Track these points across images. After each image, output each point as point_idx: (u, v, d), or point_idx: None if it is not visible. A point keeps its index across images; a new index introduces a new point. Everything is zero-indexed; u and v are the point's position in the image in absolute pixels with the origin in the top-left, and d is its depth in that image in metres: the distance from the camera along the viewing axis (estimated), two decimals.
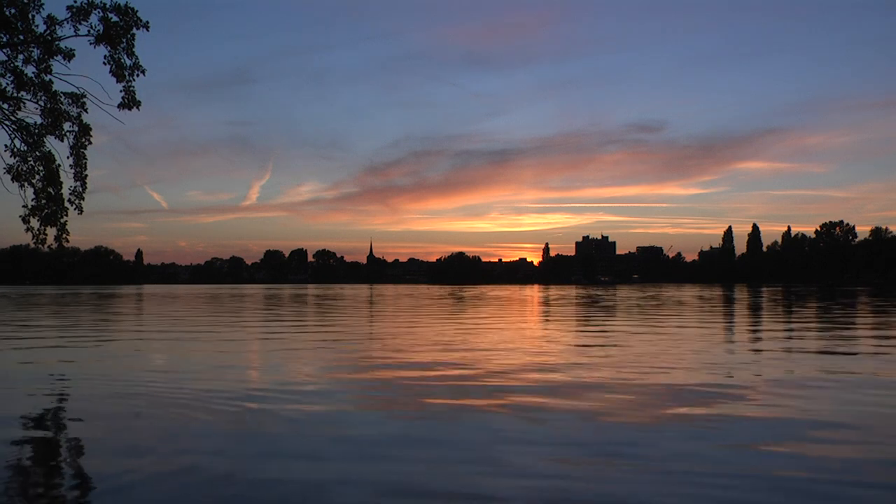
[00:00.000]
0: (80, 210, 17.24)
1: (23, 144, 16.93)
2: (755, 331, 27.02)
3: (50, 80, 16.52)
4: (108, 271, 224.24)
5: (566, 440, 8.66)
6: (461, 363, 16.31)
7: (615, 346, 20.41)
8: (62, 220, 17.24)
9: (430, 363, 16.29)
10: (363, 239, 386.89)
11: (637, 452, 8.00)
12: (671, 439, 8.64)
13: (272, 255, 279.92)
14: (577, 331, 27.31)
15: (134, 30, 16.09)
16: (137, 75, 16.56)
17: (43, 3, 15.97)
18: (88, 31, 15.95)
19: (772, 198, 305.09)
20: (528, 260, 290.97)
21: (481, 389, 12.48)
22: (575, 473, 7.26)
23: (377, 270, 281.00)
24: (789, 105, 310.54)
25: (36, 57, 16.26)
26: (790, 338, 23.11)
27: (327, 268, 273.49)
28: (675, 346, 19.83)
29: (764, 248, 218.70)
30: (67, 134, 16.97)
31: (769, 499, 6.47)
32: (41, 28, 16.14)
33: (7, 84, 16.39)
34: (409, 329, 27.61)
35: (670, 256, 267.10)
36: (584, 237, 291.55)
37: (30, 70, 16.38)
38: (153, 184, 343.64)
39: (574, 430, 9.17)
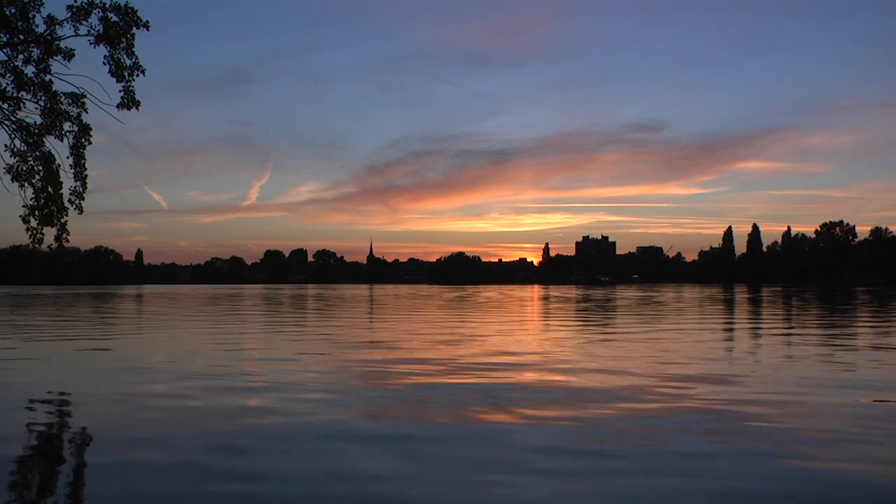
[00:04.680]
0: (80, 210, 17.27)
1: (23, 144, 16.96)
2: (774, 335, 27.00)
3: (50, 80, 16.55)
4: (108, 271, 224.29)
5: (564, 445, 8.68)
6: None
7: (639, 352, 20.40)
8: (62, 220, 17.27)
9: (436, 361, 16.30)
10: (363, 239, 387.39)
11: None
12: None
13: (272, 255, 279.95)
14: (582, 331, 27.32)
15: (134, 29, 16.11)
16: (137, 75, 16.59)
17: (43, 3, 16.01)
18: (88, 31, 15.98)
19: (772, 198, 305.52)
20: (528, 260, 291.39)
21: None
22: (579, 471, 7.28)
23: (377, 270, 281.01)
24: (789, 105, 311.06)
25: (36, 57, 16.28)
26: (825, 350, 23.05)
27: (327, 268, 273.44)
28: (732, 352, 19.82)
29: (764, 248, 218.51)
30: (67, 134, 17.00)
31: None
32: (41, 28, 16.17)
33: (7, 84, 16.42)
34: (413, 328, 27.63)
35: (670, 256, 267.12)
36: (584, 237, 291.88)
37: (30, 70, 16.41)
38: (153, 184, 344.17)
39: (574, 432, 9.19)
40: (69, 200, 17.20)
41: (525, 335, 24.52)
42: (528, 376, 14.18)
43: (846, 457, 7.85)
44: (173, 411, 10.53)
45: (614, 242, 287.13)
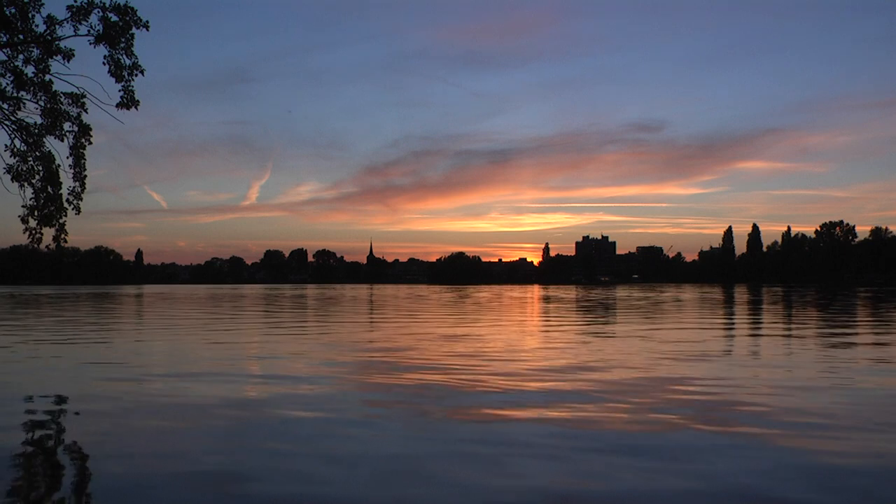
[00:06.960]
0: (78, 210, 17.25)
1: (23, 144, 16.96)
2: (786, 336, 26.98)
3: (50, 80, 16.54)
4: (108, 271, 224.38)
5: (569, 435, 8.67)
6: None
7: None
8: (61, 221, 17.26)
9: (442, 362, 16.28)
10: (363, 239, 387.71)
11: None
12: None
13: (272, 255, 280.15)
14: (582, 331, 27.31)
15: (133, 29, 16.10)
16: (136, 75, 16.58)
17: (43, 3, 16.01)
18: (88, 30, 15.97)
19: (772, 198, 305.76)
20: (528, 260, 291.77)
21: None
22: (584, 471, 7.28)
23: (377, 270, 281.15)
24: (789, 105, 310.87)
25: (36, 57, 16.28)
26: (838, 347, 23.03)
27: (327, 268, 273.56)
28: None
29: (764, 248, 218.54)
30: (67, 134, 17.00)
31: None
32: (41, 28, 16.17)
33: (7, 84, 16.42)
34: (415, 329, 27.63)
35: (670, 256, 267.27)
36: (584, 237, 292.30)
37: (30, 70, 16.41)
38: (152, 183, 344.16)
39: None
40: (67, 201, 17.19)
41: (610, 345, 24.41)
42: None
43: (844, 450, 7.86)
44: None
45: (614, 242, 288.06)
